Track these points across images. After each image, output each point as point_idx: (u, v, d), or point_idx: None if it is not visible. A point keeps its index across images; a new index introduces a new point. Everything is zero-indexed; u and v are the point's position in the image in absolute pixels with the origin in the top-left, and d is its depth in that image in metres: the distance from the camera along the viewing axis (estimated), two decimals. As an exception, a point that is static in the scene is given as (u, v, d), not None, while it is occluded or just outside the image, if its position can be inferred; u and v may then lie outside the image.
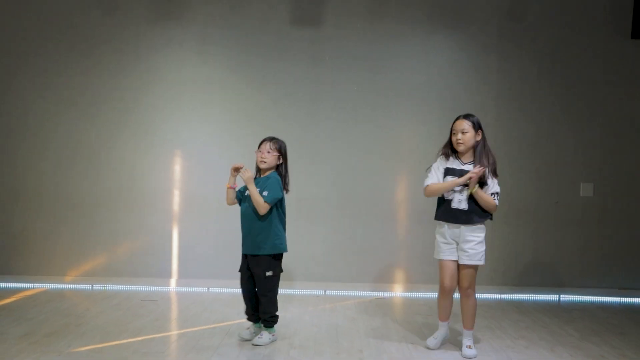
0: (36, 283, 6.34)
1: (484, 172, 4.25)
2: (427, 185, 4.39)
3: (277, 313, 4.59)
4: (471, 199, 4.29)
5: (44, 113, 6.45)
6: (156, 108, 6.48)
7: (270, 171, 4.55)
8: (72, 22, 6.45)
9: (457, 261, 4.37)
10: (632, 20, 6.36)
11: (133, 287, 6.33)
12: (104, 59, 6.46)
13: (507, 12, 6.51)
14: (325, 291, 6.40)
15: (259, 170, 4.60)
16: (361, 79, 6.49)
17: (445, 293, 4.45)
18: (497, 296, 6.39)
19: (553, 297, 6.40)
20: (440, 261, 4.42)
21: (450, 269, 4.39)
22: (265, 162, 4.51)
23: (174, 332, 4.77)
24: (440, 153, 4.45)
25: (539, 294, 6.41)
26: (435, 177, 4.38)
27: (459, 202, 4.31)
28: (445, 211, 4.37)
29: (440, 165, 4.40)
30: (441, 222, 4.40)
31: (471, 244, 4.33)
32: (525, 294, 6.42)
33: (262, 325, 4.59)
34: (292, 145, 6.38)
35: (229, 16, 6.46)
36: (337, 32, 6.48)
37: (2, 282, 6.35)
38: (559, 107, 6.51)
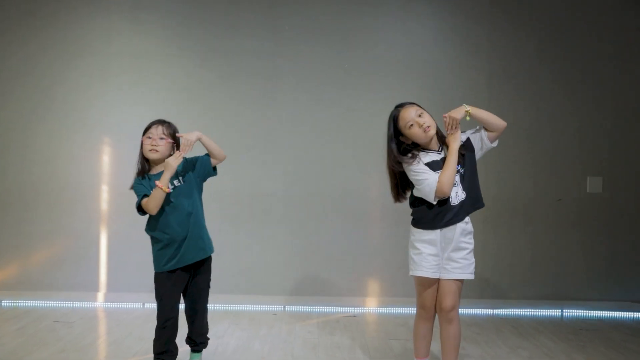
0: None
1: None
2: (439, 183, 3.25)
3: None
4: (464, 180, 3.35)
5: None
6: (79, 86, 5.40)
7: (161, 164, 3.46)
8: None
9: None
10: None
11: (51, 304, 5.25)
12: (11, 25, 5.39)
13: (501, -25, 5.51)
14: (284, 307, 5.36)
15: (146, 162, 3.49)
16: (328, 53, 5.46)
17: (427, 318, 3.46)
18: (490, 311, 5.40)
19: (555, 312, 5.42)
20: (422, 278, 3.38)
21: (435, 287, 3.40)
22: (157, 151, 3.44)
23: (78, 370, 3.70)
24: (410, 157, 3.35)
25: (539, 308, 5.43)
26: (430, 171, 3.30)
27: (456, 194, 3.32)
28: (441, 214, 3.32)
29: (420, 162, 3.34)
30: (430, 230, 3.35)
31: (464, 252, 3.35)
32: (523, 308, 5.43)
33: (196, 352, 3.62)
34: (244, 131, 5.42)
35: (170, -24, 5.38)
36: (300, -2, 5.43)
37: None
38: (562, 88, 5.53)
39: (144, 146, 3.48)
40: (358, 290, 5.47)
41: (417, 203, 3.39)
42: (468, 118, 3.34)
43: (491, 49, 5.52)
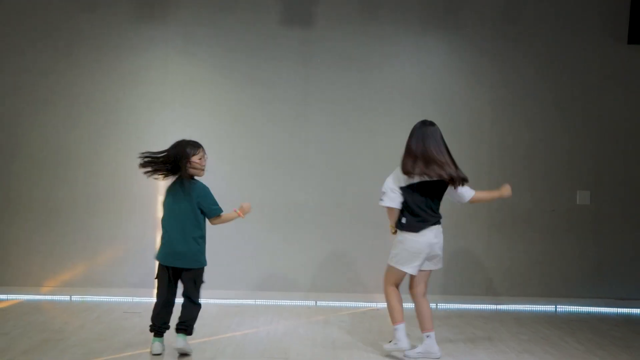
0: (10, 294, 5.98)
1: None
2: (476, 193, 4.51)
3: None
4: None
5: (19, 113, 6.13)
6: (139, 109, 6.19)
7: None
8: (50, 19, 6.14)
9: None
10: (629, 26, 6.23)
11: (114, 299, 6.02)
12: (84, 58, 6.16)
13: (502, 14, 6.34)
14: (316, 302, 6.15)
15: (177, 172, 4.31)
16: (351, 82, 6.28)
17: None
18: (494, 307, 6.21)
19: (549, 308, 6.24)
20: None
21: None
22: (204, 170, 4.33)
23: (161, 348, 4.47)
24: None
25: (535, 304, 6.25)
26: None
27: None
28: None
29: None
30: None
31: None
32: (522, 304, 6.25)
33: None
34: (279, 148, 6.22)
35: (216, 15, 6.21)
36: (328, 33, 6.26)
37: (-28, 293, 5.99)
38: (556, 112, 6.37)
39: (195, 164, 4.27)
40: (380, 288, 6.23)
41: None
42: None
43: (494, 78, 6.32)
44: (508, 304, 6.24)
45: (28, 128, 6.11)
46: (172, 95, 6.20)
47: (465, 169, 6.14)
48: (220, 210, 4.29)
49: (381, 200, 4.35)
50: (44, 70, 6.12)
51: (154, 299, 5.96)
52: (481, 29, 6.32)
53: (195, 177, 4.32)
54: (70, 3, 6.14)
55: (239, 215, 4.31)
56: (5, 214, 6.08)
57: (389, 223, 4.40)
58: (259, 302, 6.07)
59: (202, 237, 4.29)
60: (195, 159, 4.27)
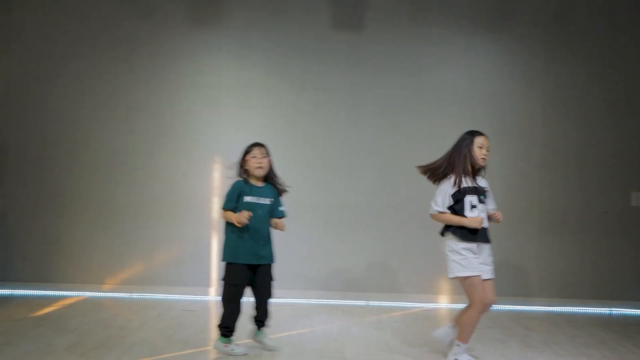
0: (75, 291, 6.23)
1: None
2: (439, 213, 4.24)
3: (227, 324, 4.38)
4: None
5: (79, 118, 6.36)
6: (194, 113, 6.36)
7: (263, 178, 4.45)
8: (108, 26, 6.36)
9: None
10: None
11: (171, 297, 6.21)
12: (141, 64, 6.37)
13: (553, 15, 6.34)
14: (367, 302, 6.24)
15: (247, 175, 4.43)
16: (403, 84, 6.35)
17: (484, 310, 4.19)
18: (546, 308, 6.21)
19: (604, 310, 6.20)
20: (474, 278, 4.11)
21: (488, 286, 4.19)
22: (262, 168, 4.41)
23: (221, 346, 4.62)
24: (454, 173, 4.24)
25: (589, 306, 6.21)
26: (441, 203, 4.23)
27: (485, 220, 4.19)
28: (479, 230, 4.15)
29: (449, 188, 4.21)
30: (470, 242, 4.15)
31: (492, 257, 4.25)
32: (575, 306, 6.22)
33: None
34: (332, 152, 6.32)
35: (268, 20, 6.34)
36: (378, 36, 6.34)
37: (41, 290, 6.25)
38: (608, 113, 6.33)
39: (250, 163, 4.40)
40: (431, 289, 6.31)
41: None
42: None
43: (546, 79, 6.32)
44: (561, 306, 6.21)
45: (88, 132, 6.35)
46: (226, 99, 6.35)
47: (515, 170, 6.22)
48: (222, 207, 4.40)
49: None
50: (103, 75, 6.36)
51: (210, 298, 6.21)
52: (533, 30, 6.31)
53: (252, 175, 4.43)
54: (129, 10, 6.35)
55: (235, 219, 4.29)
56: (68, 215, 6.33)
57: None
58: (312, 301, 6.19)
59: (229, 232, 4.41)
60: (248, 158, 4.41)
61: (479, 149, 4.22)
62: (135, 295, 6.25)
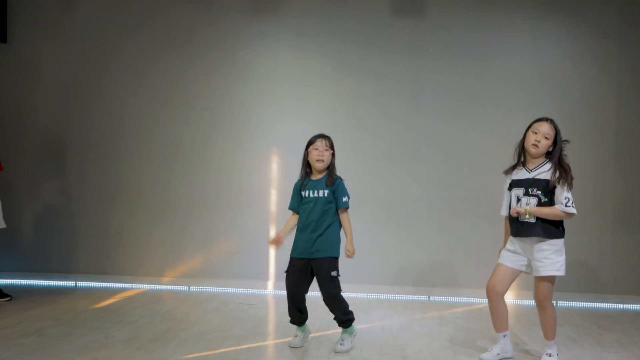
0: (135, 284, 6.28)
1: (554, 183, 3.89)
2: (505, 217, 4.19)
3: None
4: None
5: (139, 112, 6.38)
6: (251, 104, 6.29)
7: (325, 170, 4.32)
8: (165, 18, 6.35)
9: (515, 270, 4.06)
10: None
11: (230, 290, 6.18)
12: (198, 55, 6.33)
13: (628, -5, 5.95)
14: (429, 297, 6.04)
15: (309, 167, 4.33)
16: (465, 72, 6.08)
17: (488, 296, 4.12)
18: (620, 306, 5.87)
19: (684, 308, 5.81)
20: (497, 265, 4.12)
21: (501, 273, 4.08)
22: (323, 161, 4.27)
23: (278, 340, 4.53)
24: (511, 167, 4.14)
25: (668, 304, 5.84)
26: (505, 204, 4.15)
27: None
28: (513, 224, 4.03)
29: (507, 180, 4.12)
30: (512, 236, 4.07)
31: (546, 252, 3.90)
32: (652, 303, 5.86)
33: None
34: (393, 142, 6.13)
35: (327, 8, 6.19)
36: (441, 21, 6.10)
37: (101, 281, 6.33)
38: (689, 98, 5.91)
39: (310, 155, 4.28)
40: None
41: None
42: (527, 216, 3.90)
43: (621, 63, 5.93)
44: (636, 304, 5.86)
45: (148, 126, 6.37)
46: (284, 89, 6.24)
47: (586, 159, 5.88)
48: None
49: (572, 207, 3.87)
50: (160, 68, 6.35)
51: (268, 291, 6.14)
52: (605, 11, 5.94)
53: (314, 168, 4.33)
54: (188, 3, 6.31)
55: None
56: (128, 208, 6.38)
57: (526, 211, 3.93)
58: (371, 296, 6.05)
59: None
60: (310, 150, 4.30)
61: (533, 135, 3.98)
62: (193, 288, 6.24)
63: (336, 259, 4.25)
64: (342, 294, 4.26)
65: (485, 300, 5.83)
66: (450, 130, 6.09)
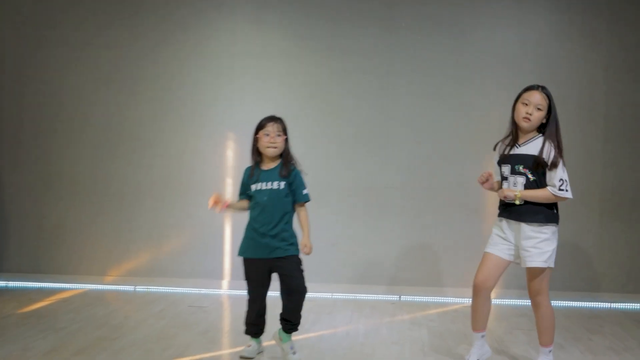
0: (74, 284, 5.62)
1: (542, 160, 3.43)
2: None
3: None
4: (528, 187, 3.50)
5: (78, 90, 5.72)
6: (205, 84, 5.67)
7: (278, 158, 3.76)
8: (111, -12, 5.70)
9: (505, 260, 3.56)
10: None
11: (180, 290, 5.57)
12: (145, 29, 5.69)
13: (619, -35, 5.45)
14: (400, 297, 5.50)
15: (259, 155, 3.77)
16: (442, 48, 5.53)
17: (475, 292, 3.59)
18: (607, 305, 5.39)
19: (678, 307, 5.36)
20: (484, 254, 3.61)
21: (490, 264, 3.55)
22: (276, 148, 3.70)
23: (227, 351, 3.94)
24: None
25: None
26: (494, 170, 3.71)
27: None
28: (502, 206, 3.59)
29: (495, 153, 3.70)
30: (500, 217, 3.60)
31: (534, 241, 3.44)
32: (643, 303, 5.40)
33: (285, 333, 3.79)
34: (362, 125, 5.57)
35: (289, -23, 5.60)
36: (415, -7, 5.54)
37: (36, 281, 5.66)
38: (684, 78, 5.44)
39: (260, 142, 3.71)
40: (472, 281, 5.52)
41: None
42: (517, 202, 3.43)
43: (610, 40, 5.45)
44: (626, 302, 5.38)
45: (89, 107, 5.70)
46: (241, 67, 5.64)
47: (573, 144, 5.36)
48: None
49: (566, 191, 3.43)
50: (106, 43, 5.69)
51: (222, 291, 5.56)
52: (595, -17, 5.45)
53: (265, 156, 3.77)
54: (133, -30, 5.68)
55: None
56: (66, 199, 5.71)
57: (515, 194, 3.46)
58: (336, 296, 5.47)
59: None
60: (261, 136, 3.72)
61: (524, 106, 3.48)
62: (139, 289, 5.62)
63: (298, 254, 3.76)
64: None
65: (462, 300, 5.41)
66: (425, 112, 5.55)
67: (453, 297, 5.44)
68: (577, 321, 4.84)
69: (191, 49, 5.66)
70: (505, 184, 3.53)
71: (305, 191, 3.76)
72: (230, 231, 5.62)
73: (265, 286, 3.78)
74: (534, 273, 3.48)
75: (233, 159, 5.65)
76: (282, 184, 3.68)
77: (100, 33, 5.69)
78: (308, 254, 3.75)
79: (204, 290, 5.56)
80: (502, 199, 3.50)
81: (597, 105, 5.47)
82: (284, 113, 3.95)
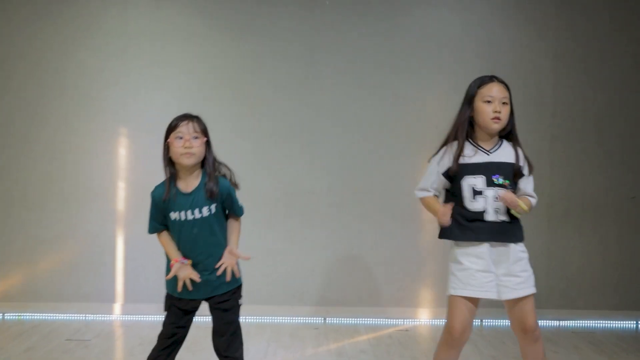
0: None
1: (519, 171, 2.89)
2: (422, 198, 3.02)
3: None
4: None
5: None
6: (93, 70, 4.80)
7: (197, 168, 2.85)
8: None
9: (479, 300, 2.83)
10: None
11: (60, 317, 4.66)
12: (19, 2, 4.77)
13: (567, -56, 4.95)
14: (324, 319, 4.77)
15: (173, 166, 2.83)
16: (372, 32, 4.89)
17: (452, 345, 2.85)
18: (556, 323, 4.87)
19: (630, 324, 4.87)
20: (455, 298, 2.81)
21: (466, 311, 2.81)
22: (193, 154, 2.78)
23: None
24: (449, 139, 2.93)
25: (612, 319, 4.89)
26: (429, 182, 2.96)
27: (496, 212, 2.79)
28: (481, 227, 2.80)
29: (445, 159, 2.91)
30: (475, 242, 2.81)
31: (524, 262, 2.85)
32: (594, 319, 4.90)
33: None
34: (280, 120, 4.84)
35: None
36: (340, -31, 4.87)
37: None
38: (638, 69, 4.98)
39: (174, 149, 2.78)
40: (409, 300, 4.88)
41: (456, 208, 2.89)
42: (518, 215, 2.85)
43: (559, 27, 4.96)
44: (575, 319, 4.89)
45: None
46: (136, 51, 4.81)
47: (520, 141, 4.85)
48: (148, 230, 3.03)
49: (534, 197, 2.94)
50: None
51: (114, 318, 4.67)
52: (543, -38, 4.92)
53: (180, 167, 2.84)
54: None
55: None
56: None
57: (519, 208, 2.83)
58: (249, 319, 4.63)
59: None
60: (172, 140, 2.80)
61: (487, 105, 2.80)
62: (9, 316, 4.67)
63: (241, 285, 2.98)
64: None
65: (397, 322, 4.75)
66: (353, 104, 4.89)
67: (386, 318, 4.78)
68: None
69: (76, 27, 4.80)
70: (480, 200, 2.80)
71: (240, 203, 2.93)
72: (123, 245, 4.73)
73: (189, 323, 3.01)
74: (529, 302, 2.81)
75: (126, 159, 4.79)
76: (213, 207, 2.81)
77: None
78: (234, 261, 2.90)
79: (90, 317, 4.66)
80: (507, 204, 2.77)
81: (544, 100, 4.97)
82: (187, 105, 3.12)
